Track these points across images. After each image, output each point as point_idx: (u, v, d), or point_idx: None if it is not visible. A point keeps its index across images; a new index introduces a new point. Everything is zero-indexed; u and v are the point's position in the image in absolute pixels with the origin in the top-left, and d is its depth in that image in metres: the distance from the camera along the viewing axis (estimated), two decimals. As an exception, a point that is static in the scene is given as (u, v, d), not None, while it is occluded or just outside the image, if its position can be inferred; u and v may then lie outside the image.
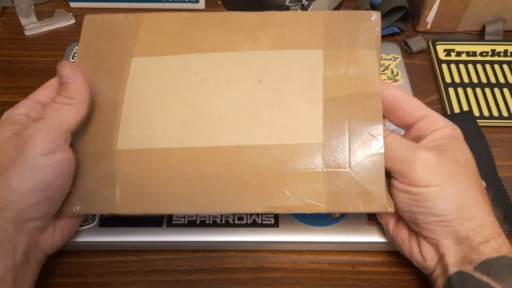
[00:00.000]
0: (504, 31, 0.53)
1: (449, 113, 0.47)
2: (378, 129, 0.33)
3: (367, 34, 0.35)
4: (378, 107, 0.33)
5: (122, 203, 0.33)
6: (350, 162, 0.32)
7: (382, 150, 0.32)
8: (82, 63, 0.37)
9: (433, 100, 0.49)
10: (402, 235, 0.34)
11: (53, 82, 0.35)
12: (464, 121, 0.45)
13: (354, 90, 0.34)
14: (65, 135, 0.31)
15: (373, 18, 0.36)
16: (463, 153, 0.32)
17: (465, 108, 0.47)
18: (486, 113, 0.47)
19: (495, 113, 0.47)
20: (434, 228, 0.30)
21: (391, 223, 0.35)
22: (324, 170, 0.32)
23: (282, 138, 0.33)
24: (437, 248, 0.31)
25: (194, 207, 0.33)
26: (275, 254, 0.38)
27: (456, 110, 0.47)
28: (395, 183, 0.31)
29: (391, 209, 0.32)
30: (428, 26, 0.55)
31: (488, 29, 0.53)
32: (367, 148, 0.32)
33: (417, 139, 0.33)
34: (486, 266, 0.28)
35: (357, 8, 0.56)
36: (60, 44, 0.54)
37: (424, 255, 0.32)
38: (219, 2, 0.60)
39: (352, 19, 0.36)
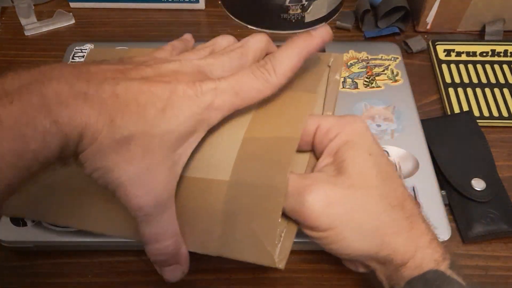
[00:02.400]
0: (504, 31, 0.54)
1: (449, 113, 0.47)
2: (280, 178, 0.28)
3: (315, 77, 0.33)
4: (289, 153, 0.28)
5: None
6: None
7: (280, 199, 0.28)
8: None
9: (433, 100, 0.49)
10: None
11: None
12: (464, 121, 0.45)
13: (274, 133, 0.30)
14: None
15: (330, 63, 0.34)
16: (364, 161, 0.27)
17: (465, 108, 0.47)
18: (486, 113, 0.47)
19: (495, 113, 0.47)
20: (352, 260, 0.29)
21: None
22: (222, 211, 0.29)
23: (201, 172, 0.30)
24: (368, 267, 0.30)
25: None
26: (275, 254, 0.38)
27: (456, 110, 0.47)
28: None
29: (281, 266, 0.28)
30: (428, 26, 0.55)
31: (488, 29, 0.53)
32: (264, 197, 0.28)
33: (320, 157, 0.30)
34: (411, 286, 0.27)
35: (356, 9, 0.56)
36: (60, 44, 0.54)
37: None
38: (219, 2, 0.60)
39: (308, 61, 0.31)
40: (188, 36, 0.35)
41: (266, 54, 0.31)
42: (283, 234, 0.29)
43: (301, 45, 0.28)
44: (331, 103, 0.32)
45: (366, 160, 0.27)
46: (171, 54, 0.31)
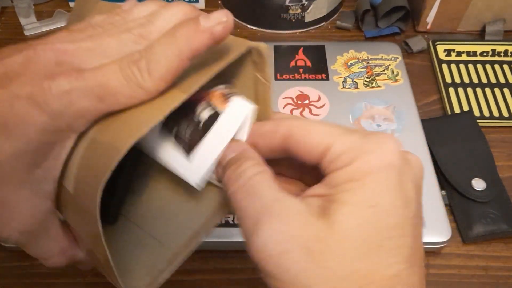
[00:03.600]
0: (505, 31, 0.53)
1: (449, 113, 0.47)
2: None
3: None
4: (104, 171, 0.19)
5: None
6: None
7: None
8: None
9: (433, 100, 0.49)
10: None
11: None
12: (465, 121, 0.45)
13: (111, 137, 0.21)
14: None
15: (255, 59, 0.24)
16: (361, 220, 0.19)
17: (466, 108, 0.47)
18: (486, 113, 0.46)
19: (496, 113, 0.46)
20: None
21: None
22: None
23: None
24: None
25: None
26: (275, 254, 0.38)
27: (457, 110, 0.47)
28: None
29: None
30: (428, 26, 0.55)
31: (488, 29, 0.53)
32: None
33: None
34: None
35: (356, 8, 0.56)
36: (59, 44, 0.54)
37: None
38: (219, 1, 0.60)
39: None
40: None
41: None
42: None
43: (181, 43, 0.19)
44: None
45: (365, 219, 0.19)
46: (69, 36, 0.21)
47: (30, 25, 0.56)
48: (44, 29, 0.57)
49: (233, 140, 0.23)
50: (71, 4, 0.59)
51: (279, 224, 0.19)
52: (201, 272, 0.37)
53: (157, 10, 0.22)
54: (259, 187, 0.20)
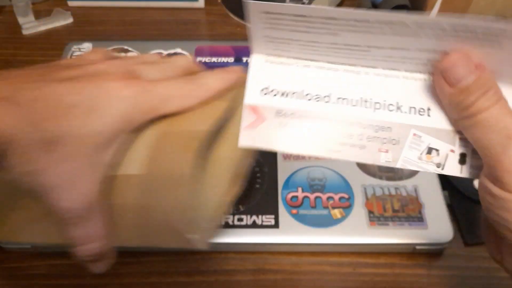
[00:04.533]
0: (506, 30, 0.53)
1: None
2: (186, 166, 0.27)
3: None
4: (194, 142, 0.28)
5: None
6: None
7: (189, 188, 0.27)
8: None
9: (434, 100, 0.49)
10: (490, 239, 0.27)
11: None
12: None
13: (183, 127, 0.29)
14: None
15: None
16: None
17: (467, 107, 0.46)
18: (488, 113, 0.46)
19: (498, 113, 0.46)
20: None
21: (484, 224, 0.28)
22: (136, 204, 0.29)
23: None
24: None
25: None
26: (275, 255, 0.38)
27: (458, 109, 0.46)
28: (481, 173, 0.24)
29: (204, 247, 0.28)
30: (430, 25, 0.54)
31: (490, 28, 0.53)
32: (175, 187, 0.27)
33: None
34: None
35: (358, 7, 0.56)
36: (58, 43, 0.54)
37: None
38: (219, 0, 0.59)
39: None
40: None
41: None
42: (205, 217, 0.28)
43: (224, 74, 0.29)
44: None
45: None
46: (103, 57, 0.30)
47: (28, 24, 0.56)
48: (43, 28, 0.56)
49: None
50: (69, 2, 0.59)
51: None
52: (200, 274, 0.37)
53: (169, 57, 0.31)
54: (490, 121, 0.22)
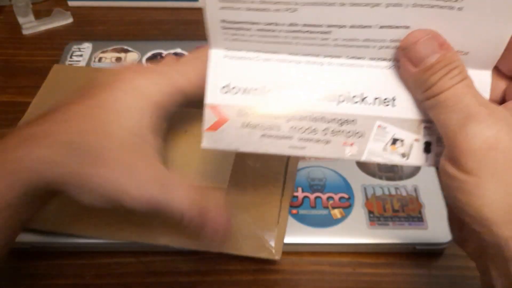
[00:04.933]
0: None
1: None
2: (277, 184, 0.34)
3: None
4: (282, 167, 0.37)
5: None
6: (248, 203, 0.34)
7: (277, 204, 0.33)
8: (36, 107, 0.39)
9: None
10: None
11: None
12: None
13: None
14: None
15: None
16: None
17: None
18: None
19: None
20: (476, 225, 0.22)
21: None
22: None
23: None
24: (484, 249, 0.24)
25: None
26: (275, 255, 0.38)
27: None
28: (443, 155, 0.23)
29: (277, 257, 0.34)
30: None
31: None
32: (267, 193, 0.30)
33: None
34: None
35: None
36: (58, 43, 0.54)
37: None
38: (219, 0, 0.59)
39: None
40: None
41: None
42: (276, 230, 0.32)
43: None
44: None
45: None
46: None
47: (28, 24, 0.56)
48: (42, 28, 0.56)
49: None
50: (70, 2, 0.59)
51: (486, 126, 0.21)
52: (201, 274, 0.37)
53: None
54: (454, 100, 0.21)
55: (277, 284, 0.36)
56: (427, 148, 0.24)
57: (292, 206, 0.38)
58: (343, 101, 0.24)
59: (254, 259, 0.37)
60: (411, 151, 0.24)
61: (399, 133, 0.24)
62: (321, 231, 0.37)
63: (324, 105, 0.24)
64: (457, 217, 0.23)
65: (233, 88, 0.24)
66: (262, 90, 0.24)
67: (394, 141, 0.24)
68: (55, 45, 0.54)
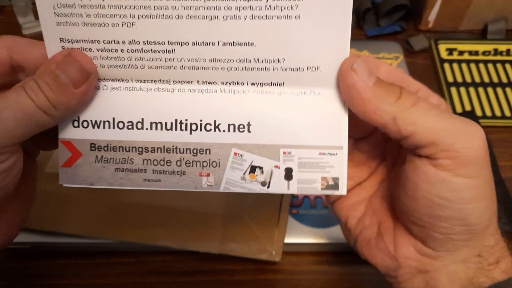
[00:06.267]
0: (507, 30, 0.53)
1: (451, 112, 0.46)
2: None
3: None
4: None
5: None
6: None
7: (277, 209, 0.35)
8: None
9: (435, 100, 0.48)
10: (368, 234, 0.25)
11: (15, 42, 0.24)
12: (467, 121, 0.44)
13: None
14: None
15: None
16: None
17: (468, 108, 0.46)
18: (488, 113, 0.46)
19: (498, 113, 0.46)
20: (448, 239, 0.22)
21: (353, 219, 0.26)
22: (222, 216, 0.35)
23: None
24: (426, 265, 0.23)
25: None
26: (275, 255, 0.38)
27: (459, 110, 0.46)
28: (429, 163, 0.21)
29: (277, 259, 0.35)
30: (430, 25, 0.54)
31: (490, 28, 0.53)
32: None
33: None
34: None
35: (358, 7, 0.56)
36: (58, 43, 0.54)
37: (400, 260, 0.24)
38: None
39: None
40: None
41: None
42: (276, 231, 0.33)
43: None
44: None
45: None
46: None
47: (28, 23, 0.56)
48: (43, 27, 0.56)
49: None
50: (70, 2, 0.59)
51: (472, 141, 0.21)
52: (201, 273, 0.37)
53: None
54: (423, 111, 0.21)
55: (277, 284, 0.36)
56: (288, 174, 0.23)
57: (292, 206, 0.38)
58: (195, 129, 0.23)
59: (254, 259, 0.37)
60: (272, 178, 0.23)
61: (257, 160, 0.23)
62: (321, 231, 0.37)
63: (176, 135, 0.23)
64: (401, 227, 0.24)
65: (84, 121, 0.23)
66: (112, 123, 0.23)
67: (253, 169, 0.23)
68: (55, 45, 0.54)
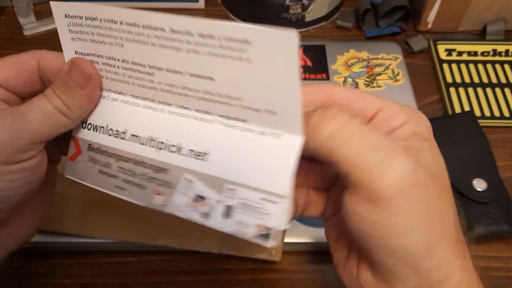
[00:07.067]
0: (505, 30, 0.53)
1: (450, 113, 0.47)
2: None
3: None
4: None
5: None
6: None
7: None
8: None
9: (434, 100, 0.49)
10: (339, 255, 0.26)
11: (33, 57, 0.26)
12: (466, 121, 0.44)
13: None
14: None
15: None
16: (434, 158, 0.23)
17: (467, 108, 0.47)
18: (487, 113, 0.46)
19: (497, 113, 0.46)
20: (391, 265, 0.21)
21: (331, 238, 0.27)
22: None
23: None
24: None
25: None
26: (275, 255, 0.38)
27: (458, 110, 0.46)
28: (350, 195, 0.20)
29: (277, 258, 0.36)
30: (429, 26, 0.54)
31: (489, 28, 0.53)
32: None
33: None
34: None
35: (357, 8, 0.56)
36: (59, 44, 0.54)
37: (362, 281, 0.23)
38: (219, 1, 0.59)
39: None
40: None
41: None
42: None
43: None
44: None
45: (438, 153, 0.23)
46: None
47: (29, 24, 0.56)
48: (43, 28, 0.57)
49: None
50: (71, 3, 0.59)
51: (406, 162, 0.20)
52: (201, 273, 0.37)
53: None
54: (355, 137, 0.20)
55: (277, 284, 0.36)
56: (228, 212, 0.22)
57: (292, 206, 0.38)
58: (162, 149, 0.24)
59: (254, 258, 0.37)
60: (212, 212, 0.22)
61: (204, 191, 0.22)
62: (321, 231, 0.37)
63: (147, 150, 0.24)
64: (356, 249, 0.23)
65: (89, 124, 0.26)
66: (105, 129, 0.25)
67: (197, 197, 0.23)
68: (56, 45, 0.54)
